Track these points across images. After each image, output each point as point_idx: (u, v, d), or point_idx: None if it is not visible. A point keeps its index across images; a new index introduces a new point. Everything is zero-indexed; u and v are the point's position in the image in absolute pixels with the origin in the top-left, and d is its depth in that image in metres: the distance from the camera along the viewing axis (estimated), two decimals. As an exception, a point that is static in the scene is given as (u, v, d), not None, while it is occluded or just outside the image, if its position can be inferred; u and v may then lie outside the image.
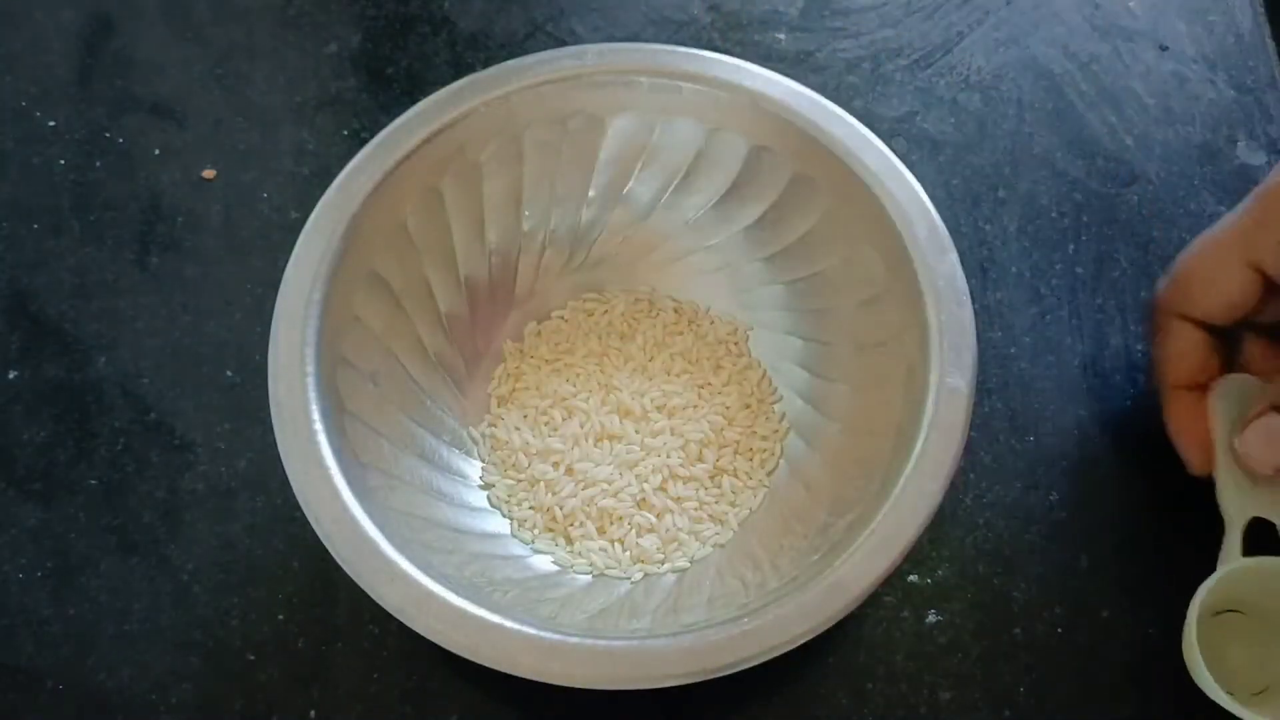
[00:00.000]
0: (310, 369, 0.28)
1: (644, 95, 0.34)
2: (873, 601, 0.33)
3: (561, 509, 0.33)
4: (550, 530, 0.33)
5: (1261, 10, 0.45)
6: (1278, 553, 0.30)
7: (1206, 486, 0.32)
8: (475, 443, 0.35)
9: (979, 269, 0.39)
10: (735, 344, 0.37)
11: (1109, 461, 0.35)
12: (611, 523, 0.33)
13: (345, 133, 0.41)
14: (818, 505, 0.31)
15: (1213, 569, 0.30)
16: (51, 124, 0.42)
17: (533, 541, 0.33)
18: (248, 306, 0.38)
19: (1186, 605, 0.30)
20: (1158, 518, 0.34)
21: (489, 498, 0.34)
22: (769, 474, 0.34)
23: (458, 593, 0.26)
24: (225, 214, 0.40)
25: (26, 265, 0.39)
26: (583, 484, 0.33)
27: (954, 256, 0.30)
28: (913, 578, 0.33)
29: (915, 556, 0.33)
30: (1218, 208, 0.40)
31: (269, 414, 0.28)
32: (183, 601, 0.33)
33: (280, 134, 0.41)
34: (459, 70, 0.43)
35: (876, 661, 0.32)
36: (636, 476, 0.34)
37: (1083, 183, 0.41)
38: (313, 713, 0.31)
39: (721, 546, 0.33)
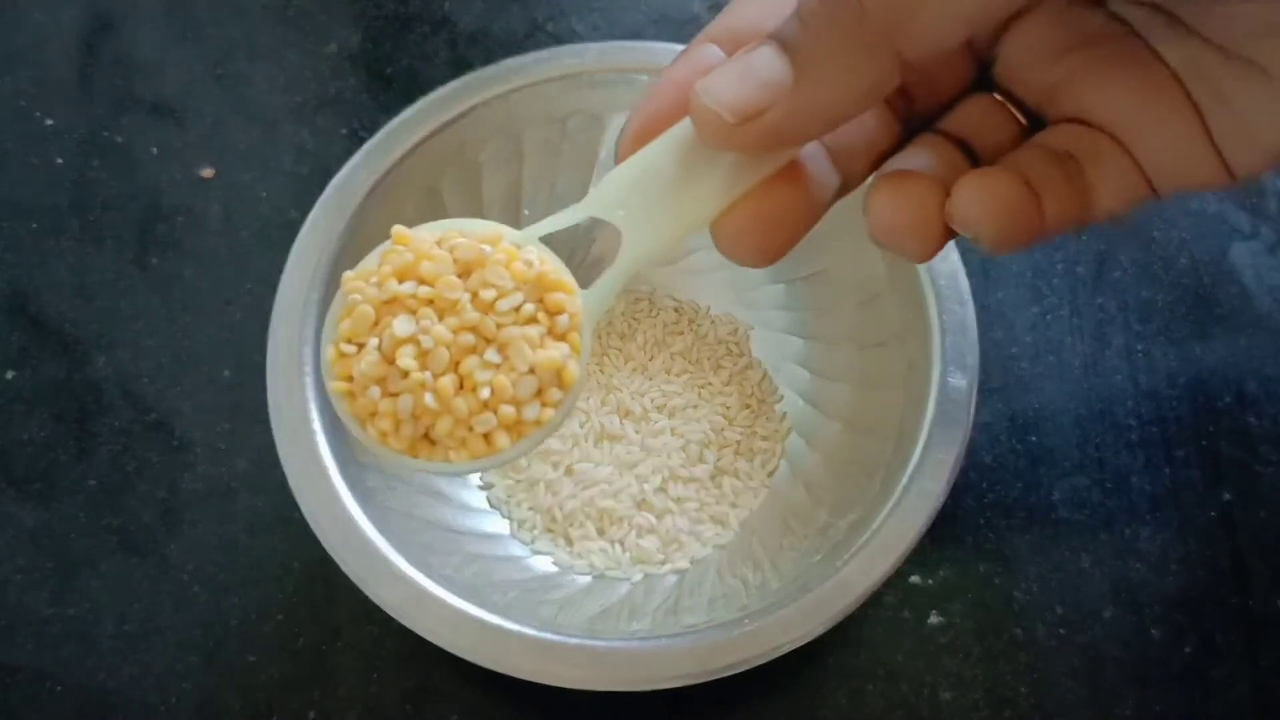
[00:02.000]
0: (310, 369, 0.28)
1: (644, 95, 0.34)
2: (874, 602, 0.33)
3: (561, 509, 0.33)
4: (550, 531, 0.33)
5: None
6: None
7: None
8: (475, 443, 0.35)
9: (980, 268, 0.38)
10: (735, 344, 0.36)
11: (1110, 461, 0.35)
12: (611, 523, 0.33)
13: (345, 133, 0.41)
14: (819, 505, 0.31)
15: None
16: (51, 124, 0.42)
17: (532, 542, 0.33)
18: (248, 306, 0.38)
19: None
20: (1159, 518, 0.34)
21: (489, 498, 0.34)
22: (769, 474, 0.34)
23: (457, 593, 0.26)
24: (225, 214, 0.40)
25: (26, 265, 0.39)
26: (582, 484, 0.33)
27: (955, 255, 0.30)
28: (914, 578, 0.33)
29: (916, 557, 0.33)
30: (1218, 207, 0.40)
31: (269, 414, 0.28)
32: (183, 601, 0.33)
33: (280, 134, 0.41)
34: (459, 70, 0.43)
35: (877, 661, 0.32)
36: (636, 477, 0.33)
37: (1083, 182, 0.40)
38: (312, 713, 0.31)
39: (722, 547, 0.33)
